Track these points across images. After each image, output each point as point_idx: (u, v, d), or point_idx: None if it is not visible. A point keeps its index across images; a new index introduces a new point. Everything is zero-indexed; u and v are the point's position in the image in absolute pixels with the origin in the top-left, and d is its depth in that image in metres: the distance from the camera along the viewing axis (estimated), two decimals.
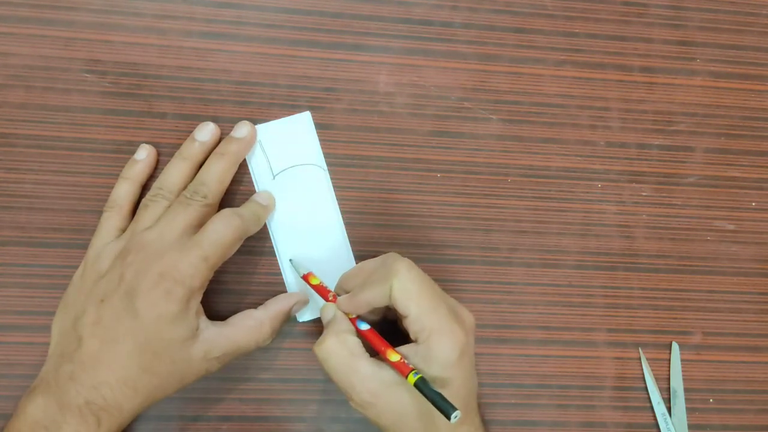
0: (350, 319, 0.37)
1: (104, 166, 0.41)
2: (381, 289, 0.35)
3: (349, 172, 0.43)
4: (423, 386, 0.33)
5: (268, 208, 0.41)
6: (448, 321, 0.35)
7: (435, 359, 0.34)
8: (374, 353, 0.36)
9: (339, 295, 0.38)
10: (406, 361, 0.34)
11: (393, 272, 0.35)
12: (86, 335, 0.35)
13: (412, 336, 0.35)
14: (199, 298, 0.36)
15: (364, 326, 0.37)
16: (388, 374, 0.35)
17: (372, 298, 0.36)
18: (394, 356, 0.35)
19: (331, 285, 0.40)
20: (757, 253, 0.46)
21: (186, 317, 0.35)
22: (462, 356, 0.34)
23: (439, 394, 0.33)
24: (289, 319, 0.41)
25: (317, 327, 0.42)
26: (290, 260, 0.42)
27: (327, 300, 0.38)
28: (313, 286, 0.40)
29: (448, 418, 0.32)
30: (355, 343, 0.36)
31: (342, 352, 0.35)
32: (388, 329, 0.38)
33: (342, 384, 0.35)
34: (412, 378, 0.33)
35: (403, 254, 0.41)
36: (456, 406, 0.32)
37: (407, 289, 0.35)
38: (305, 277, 0.40)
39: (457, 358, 0.34)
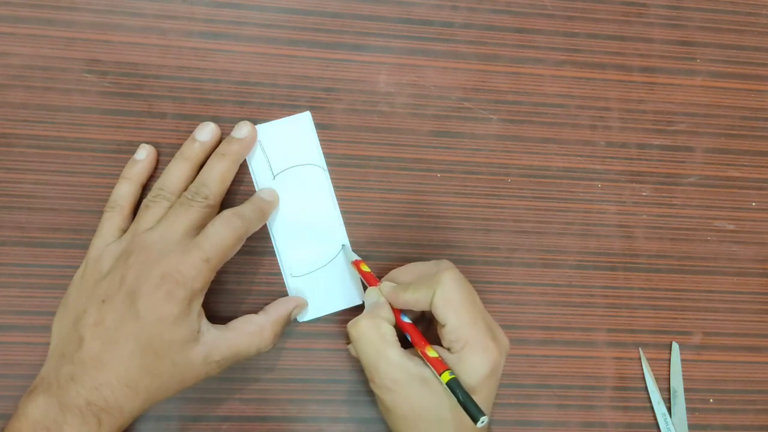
0: (394, 310, 0.38)
1: (104, 166, 0.41)
2: (424, 294, 0.36)
3: (349, 172, 0.43)
4: (456, 386, 0.33)
5: (272, 203, 0.41)
6: (484, 337, 0.35)
7: (464, 371, 0.35)
8: (408, 346, 0.37)
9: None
10: (443, 360, 0.35)
11: (438, 281, 0.36)
12: (87, 336, 0.35)
13: (445, 344, 0.36)
14: (201, 299, 0.36)
15: (407, 319, 0.38)
16: (415, 368, 0.35)
17: (413, 300, 0.37)
18: (432, 352, 0.35)
19: (331, 284, 0.40)
20: (757, 253, 0.46)
21: (187, 319, 0.35)
22: (491, 374, 0.35)
23: (470, 397, 0.33)
24: (289, 323, 0.41)
25: (318, 327, 0.42)
26: (342, 246, 0.42)
27: (373, 285, 0.39)
28: (363, 273, 0.40)
29: (475, 422, 0.32)
30: (389, 330, 0.36)
31: (373, 335, 0.36)
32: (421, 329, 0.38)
33: (368, 365, 0.36)
34: (447, 376, 0.34)
35: (403, 254, 0.41)
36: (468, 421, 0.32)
37: (449, 299, 0.35)
38: (355, 264, 0.41)
39: (487, 374, 0.35)
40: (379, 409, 0.38)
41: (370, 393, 0.41)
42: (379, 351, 0.36)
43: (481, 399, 0.35)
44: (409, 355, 0.36)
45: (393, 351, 0.36)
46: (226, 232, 0.37)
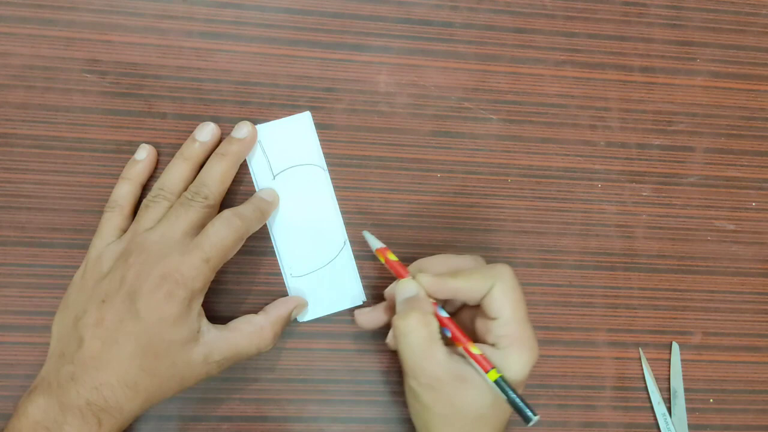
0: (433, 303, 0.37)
1: (104, 166, 0.41)
2: (480, 284, 0.36)
3: (349, 172, 0.43)
4: (505, 385, 0.34)
5: (272, 204, 0.41)
6: (532, 336, 0.36)
7: (509, 368, 0.35)
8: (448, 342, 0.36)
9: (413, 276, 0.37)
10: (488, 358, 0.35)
11: (498, 273, 0.36)
12: (87, 336, 0.35)
13: (491, 340, 0.36)
14: (201, 299, 0.36)
15: (445, 313, 0.37)
16: (458, 367, 0.35)
17: (464, 287, 0.36)
18: (475, 349, 0.35)
19: (332, 284, 0.40)
20: (757, 253, 0.46)
21: (188, 319, 0.35)
22: (528, 374, 0.35)
23: (520, 396, 0.33)
24: (289, 323, 0.41)
25: (318, 327, 0.42)
26: (364, 233, 0.40)
27: (403, 277, 0.37)
28: (390, 262, 0.38)
29: (527, 422, 0.33)
30: (437, 327, 0.36)
31: (423, 332, 0.35)
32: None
33: (411, 362, 0.35)
34: (494, 374, 0.34)
35: (403, 254, 0.41)
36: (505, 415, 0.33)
37: (509, 293, 0.35)
38: (380, 252, 0.39)
39: (528, 373, 0.35)
40: (412, 405, 0.37)
41: (370, 393, 0.41)
42: (427, 349, 0.35)
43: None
44: (452, 353, 0.35)
45: (441, 349, 0.35)
46: (226, 232, 0.37)
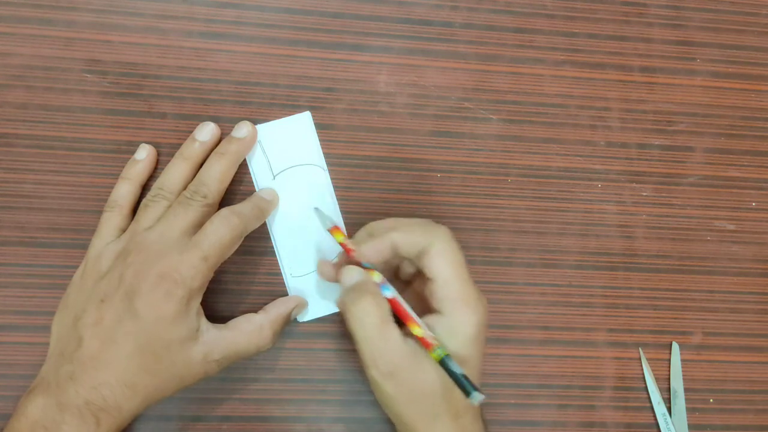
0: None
1: (104, 166, 0.41)
2: (418, 240, 0.35)
3: (349, 172, 0.43)
4: (448, 363, 0.33)
5: (272, 203, 0.41)
6: (475, 293, 0.35)
7: (458, 332, 0.34)
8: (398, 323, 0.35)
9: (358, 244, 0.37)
10: (430, 335, 0.34)
11: (436, 233, 0.35)
12: (86, 335, 0.35)
13: (435, 304, 0.35)
14: (199, 298, 0.36)
15: (389, 293, 0.35)
16: (413, 348, 0.34)
17: (403, 242, 0.35)
18: (417, 330, 0.34)
19: (332, 284, 0.40)
20: (757, 253, 0.46)
21: (186, 318, 0.35)
22: (479, 333, 0.35)
23: (463, 373, 0.32)
24: (289, 322, 0.41)
25: (318, 327, 0.42)
26: (315, 209, 0.40)
27: (351, 257, 0.37)
28: (339, 243, 0.38)
29: (468, 397, 0.31)
30: (388, 308, 0.35)
31: (377, 313, 0.34)
32: None
33: (369, 349, 0.34)
34: (437, 354, 0.33)
35: None
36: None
37: (447, 252, 0.35)
38: (332, 231, 0.38)
39: (477, 333, 0.35)
40: (378, 397, 0.36)
41: (370, 393, 0.41)
42: (383, 332, 0.34)
43: (474, 363, 0.35)
44: (406, 335, 0.35)
45: (395, 332, 0.34)
46: (223, 231, 0.37)
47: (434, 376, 0.34)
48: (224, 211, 0.38)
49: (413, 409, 0.35)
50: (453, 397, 0.34)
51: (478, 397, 0.32)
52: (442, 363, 0.33)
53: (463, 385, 0.32)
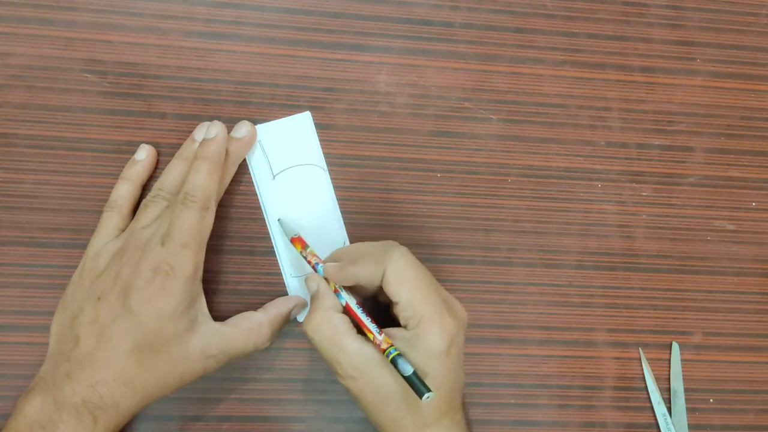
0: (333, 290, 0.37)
1: (104, 166, 0.41)
2: (374, 269, 0.35)
3: (349, 172, 0.43)
4: (398, 363, 0.33)
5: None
6: (439, 311, 0.35)
7: (422, 347, 0.34)
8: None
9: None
10: (382, 339, 0.34)
11: (389, 257, 0.35)
12: (83, 334, 0.35)
13: (402, 322, 0.36)
14: (194, 285, 0.36)
15: (344, 300, 0.36)
16: (372, 351, 0.35)
17: (362, 274, 0.36)
18: (369, 335, 0.35)
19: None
20: (757, 253, 0.46)
21: (183, 310, 0.35)
22: (449, 348, 0.34)
23: (414, 373, 0.33)
24: (288, 322, 0.41)
25: None
26: (279, 220, 0.41)
27: (312, 268, 0.38)
28: (300, 254, 0.39)
29: (420, 397, 0.32)
30: (341, 319, 0.36)
31: (328, 329, 0.35)
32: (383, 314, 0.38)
33: (328, 360, 0.35)
34: (388, 355, 0.33)
35: None
36: (436, 397, 0.32)
37: (401, 275, 0.35)
38: (293, 241, 0.39)
39: (445, 349, 0.34)
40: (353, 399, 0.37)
41: None
42: (335, 343, 0.35)
43: (441, 376, 0.34)
44: (366, 340, 0.35)
45: (349, 340, 0.35)
46: (186, 213, 0.36)
47: (391, 380, 0.34)
48: (180, 195, 0.37)
49: (378, 416, 0.36)
50: (420, 404, 0.34)
51: (427, 395, 0.32)
52: (393, 363, 0.33)
53: (412, 382, 0.32)
